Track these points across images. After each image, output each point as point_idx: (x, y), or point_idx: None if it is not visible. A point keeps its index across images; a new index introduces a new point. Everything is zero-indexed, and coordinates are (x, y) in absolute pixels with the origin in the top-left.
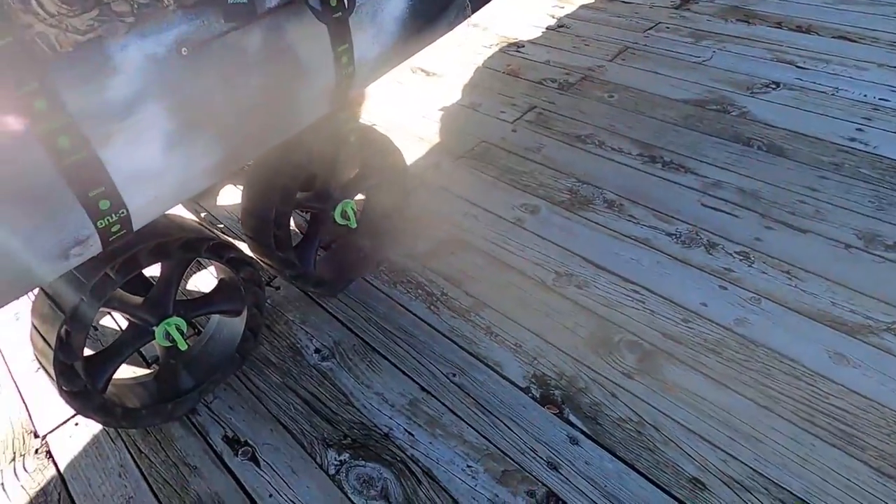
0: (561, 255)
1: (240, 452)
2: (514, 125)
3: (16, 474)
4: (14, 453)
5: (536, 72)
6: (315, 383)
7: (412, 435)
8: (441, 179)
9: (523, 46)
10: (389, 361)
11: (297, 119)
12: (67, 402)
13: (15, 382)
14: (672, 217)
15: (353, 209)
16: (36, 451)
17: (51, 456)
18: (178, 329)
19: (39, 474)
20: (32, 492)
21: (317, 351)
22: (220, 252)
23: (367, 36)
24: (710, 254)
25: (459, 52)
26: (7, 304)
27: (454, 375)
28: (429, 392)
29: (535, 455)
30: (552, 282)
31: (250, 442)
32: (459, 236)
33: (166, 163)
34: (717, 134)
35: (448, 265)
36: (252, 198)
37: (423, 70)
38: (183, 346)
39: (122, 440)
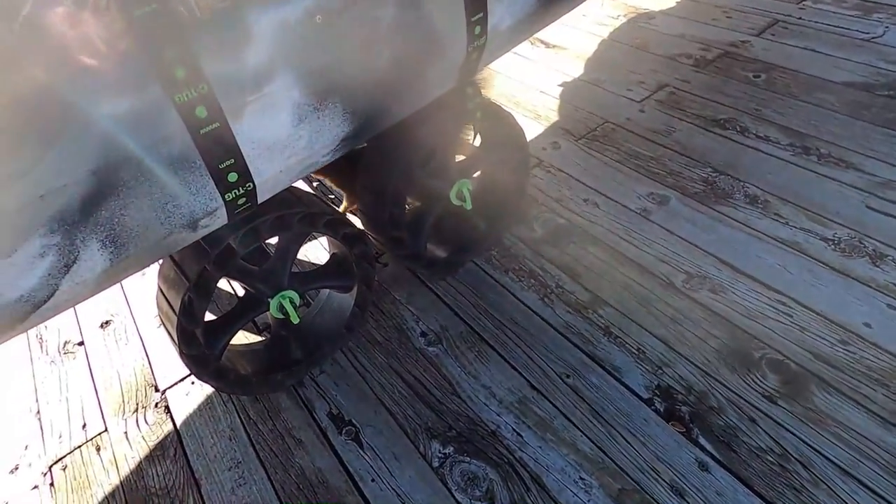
0: (692, 253)
1: (343, 431)
2: (641, 105)
3: (138, 425)
4: (137, 405)
5: (668, 46)
6: (420, 368)
7: (521, 436)
8: (559, 161)
9: (654, 18)
10: (498, 353)
11: (426, 92)
12: (186, 364)
13: (140, 336)
14: (829, 219)
15: (468, 189)
16: (156, 405)
17: (169, 411)
18: (292, 302)
19: (158, 428)
20: (151, 444)
21: (423, 335)
22: (336, 227)
23: (501, 5)
24: (877, 266)
25: (583, 23)
26: (138, 272)
27: (567, 376)
28: (539, 391)
29: (656, 476)
30: (682, 283)
31: (354, 422)
32: (578, 224)
33: (295, 135)
34: (889, 125)
35: (564, 254)
36: (370, 172)
37: (542, 42)
38: (295, 320)
39: (233, 404)
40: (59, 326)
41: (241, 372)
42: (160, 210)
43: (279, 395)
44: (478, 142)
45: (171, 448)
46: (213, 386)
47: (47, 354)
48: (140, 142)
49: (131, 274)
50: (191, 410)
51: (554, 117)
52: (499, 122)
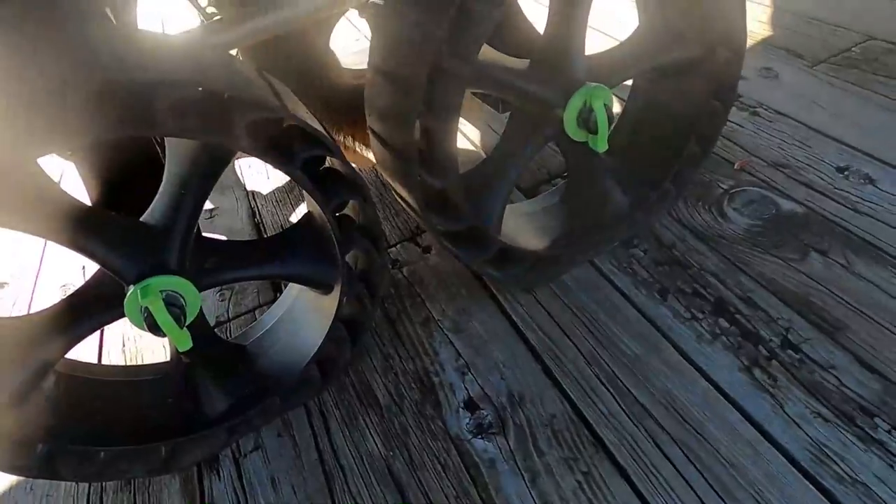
0: None
1: None
2: None
3: None
4: None
5: None
6: (447, 487)
7: None
8: (781, 100)
9: None
10: (634, 488)
11: None
12: None
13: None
14: None
15: (605, 109)
16: None
17: None
18: (174, 304)
19: None
20: None
21: (468, 405)
22: (292, 145)
23: None
24: None
25: None
26: None
27: None
28: None
29: None
30: None
31: None
32: (822, 213)
33: None
34: None
35: (791, 271)
36: (386, 47)
37: None
38: (181, 344)
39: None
40: None
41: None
42: None
43: (163, 481)
44: (643, 20)
45: None
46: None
47: None
48: None
49: None
50: None
51: (765, 30)
52: None
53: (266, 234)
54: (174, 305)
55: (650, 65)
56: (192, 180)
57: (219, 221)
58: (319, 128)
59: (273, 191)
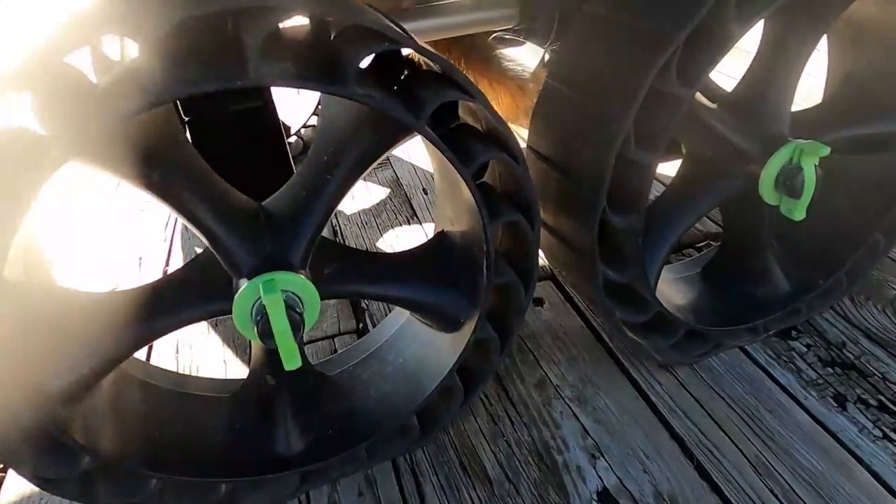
0: None
1: None
2: None
3: None
4: None
5: None
6: None
7: None
8: None
9: None
10: None
11: None
12: None
13: None
14: None
15: (814, 172)
16: None
17: None
18: (292, 307)
19: None
20: None
21: (603, 499)
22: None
23: None
24: None
25: None
26: None
27: None
28: None
29: None
30: None
31: None
32: None
33: None
34: None
35: None
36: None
37: None
38: (291, 362)
39: None
40: None
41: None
42: None
43: None
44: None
45: None
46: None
47: None
48: None
49: None
50: None
51: None
52: None
53: None
54: (294, 310)
55: (850, 133)
56: (343, 161)
57: None
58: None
59: (358, 211)
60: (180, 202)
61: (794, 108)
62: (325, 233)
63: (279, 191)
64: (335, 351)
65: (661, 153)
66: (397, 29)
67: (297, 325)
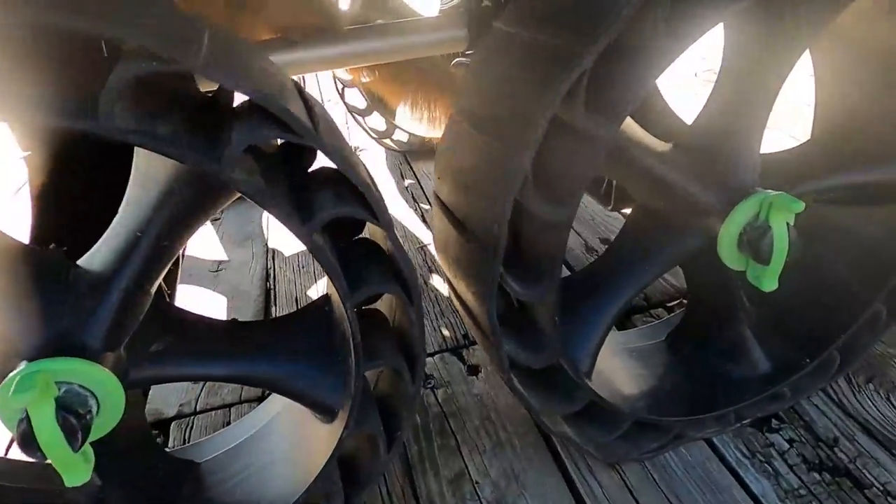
0: None
1: None
2: None
3: None
4: None
5: None
6: None
7: None
8: None
9: None
10: None
11: None
12: None
13: None
14: None
15: (787, 234)
16: None
17: None
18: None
19: None
20: None
21: None
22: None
23: None
24: None
25: None
26: None
27: None
28: None
29: None
30: None
31: None
32: None
33: None
34: None
35: None
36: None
37: None
38: (79, 476)
39: None
40: None
41: None
42: None
43: None
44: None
45: None
46: None
47: None
48: None
49: None
50: None
51: None
52: None
53: (276, 304)
54: (72, 412)
55: (838, 182)
56: (156, 218)
57: (224, 277)
58: (363, 173)
59: (297, 253)
60: None
61: (781, 146)
62: (259, 273)
63: (95, 245)
64: (229, 422)
65: (575, 207)
66: (305, 123)
67: (72, 431)
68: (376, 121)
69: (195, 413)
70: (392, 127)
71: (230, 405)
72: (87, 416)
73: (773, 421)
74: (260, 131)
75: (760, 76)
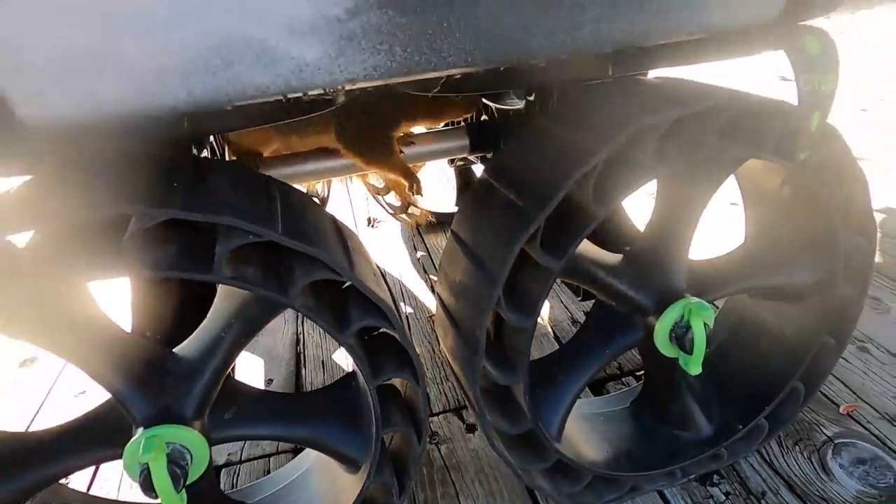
0: None
1: None
2: None
3: None
4: None
5: None
6: None
7: None
8: (895, 339)
9: None
10: None
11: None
12: None
13: None
14: None
15: (704, 327)
16: None
17: None
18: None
19: None
20: None
21: None
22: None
23: None
24: None
25: None
26: None
27: None
28: None
29: None
30: None
31: None
32: None
33: None
34: None
35: None
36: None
37: None
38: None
39: None
40: None
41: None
42: None
43: None
44: (776, 212)
45: None
46: None
47: None
48: None
49: None
50: None
51: None
52: (841, 172)
53: (304, 366)
54: (176, 464)
55: (757, 284)
56: (235, 324)
57: (260, 341)
58: (385, 294)
59: None
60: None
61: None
62: (289, 338)
63: (187, 340)
64: (268, 470)
65: (536, 316)
66: (347, 269)
67: (177, 478)
68: (392, 198)
69: (241, 462)
70: (406, 204)
71: (269, 455)
72: (186, 467)
73: (715, 476)
74: (315, 274)
75: (683, 209)
